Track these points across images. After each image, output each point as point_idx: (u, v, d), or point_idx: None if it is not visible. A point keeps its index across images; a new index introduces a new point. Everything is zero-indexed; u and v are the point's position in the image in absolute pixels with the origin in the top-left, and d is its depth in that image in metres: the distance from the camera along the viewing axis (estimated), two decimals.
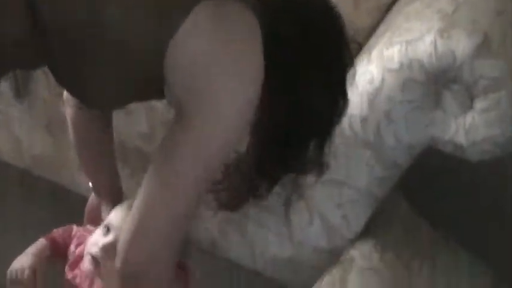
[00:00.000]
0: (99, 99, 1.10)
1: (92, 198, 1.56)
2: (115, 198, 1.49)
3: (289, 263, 2.01)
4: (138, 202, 1.03)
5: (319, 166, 1.18)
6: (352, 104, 1.41)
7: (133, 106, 1.83)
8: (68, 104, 1.39)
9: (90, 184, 1.49)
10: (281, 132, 1.15)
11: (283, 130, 1.15)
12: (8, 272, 1.47)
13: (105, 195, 1.49)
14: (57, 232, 1.56)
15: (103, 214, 1.50)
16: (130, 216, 1.05)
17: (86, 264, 1.38)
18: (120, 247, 1.04)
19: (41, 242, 1.53)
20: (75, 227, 1.55)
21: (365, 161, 1.74)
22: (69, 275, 1.50)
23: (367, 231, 1.90)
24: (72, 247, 1.51)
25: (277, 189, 1.83)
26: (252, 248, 2.02)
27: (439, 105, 1.62)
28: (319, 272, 1.88)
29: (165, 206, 1.01)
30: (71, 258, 1.50)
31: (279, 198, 1.88)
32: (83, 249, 1.49)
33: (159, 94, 1.07)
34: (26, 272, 1.46)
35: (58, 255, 1.53)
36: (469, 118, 1.58)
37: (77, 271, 1.48)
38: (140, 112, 1.86)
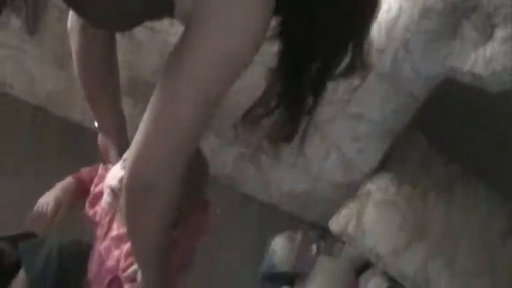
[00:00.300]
0: (106, 14, 1.07)
1: (101, 138, 1.55)
2: (120, 138, 1.48)
3: (305, 197, 2.01)
4: (147, 115, 1.00)
5: (364, 66, 1.13)
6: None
7: (145, 39, 1.80)
8: (72, 33, 1.36)
9: (96, 124, 1.48)
10: (312, 42, 1.11)
11: (313, 39, 1.11)
12: (35, 206, 1.49)
13: (111, 134, 1.48)
14: (85, 171, 1.57)
15: (110, 155, 1.49)
16: (139, 130, 1.02)
17: (106, 197, 1.38)
18: (128, 161, 1.02)
19: (68, 179, 1.55)
20: (101, 166, 1.56)
21: (382, 93, 1.72)
22: (89, 212, 1.51)
23: (384, 165, 1.89)
24: (92, 186, 1.53)
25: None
26: (267, 182, 2.02)
27: (457, 35, 1.58)
28: (335, 206, 1.88)
29: (174, 117, 0.98)
30: (91, 195, 1.52)
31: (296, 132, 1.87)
32: (103, 187, 1.50)
33: (169, 9, 1.04)
34: (51, 204, 1.48)
35: (84, 193, 1.54)
36: (489, 48, 1.55)
37: (97, 208, 1.49)
38: (152, 47, 1.83)
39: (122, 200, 1.27)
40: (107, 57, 1.37)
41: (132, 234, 1.14)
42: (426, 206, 1.79)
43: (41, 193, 1.52)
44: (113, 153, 1.48)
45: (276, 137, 1.20)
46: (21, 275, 1.62)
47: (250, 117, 1.14)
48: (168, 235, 1.17)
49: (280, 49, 1.07)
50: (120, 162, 1.40)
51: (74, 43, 1.32)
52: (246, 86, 1.20)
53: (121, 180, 1.36)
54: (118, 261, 1.41)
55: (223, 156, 2.01)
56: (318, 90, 1.16)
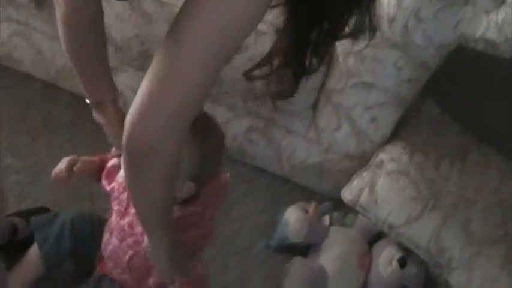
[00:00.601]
0: None
1: (97, 115, 1.53)
2: (117, 112, 1.47)
3: (317, 169, 2.00)
4: (150, 75, 0.98)
5: (371, 27, 1.12)
6: (379, 4, 1.36)
7: (154, 13, 1.79)
8: (57, 2, 1.34)
9: (89, 100, 1.46)
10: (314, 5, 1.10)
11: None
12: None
13: (107, 110, 1.46)
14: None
15: (106, 135, 1.49)
16: (140, 90, 1.01)
17: (122, 171, 1.38)
18: (127, 122, 1.00)
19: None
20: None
21: (393, 62, 1.70)
22: (106, 187, 1.51)
23: (396, 135, 1.89)
24: (109, 162, 1.54)
25: (304, 94, 1.83)
26: (279, 154, 2.02)
27: (469, 0, 1.56)
28: (347, 176, 1.88)
29: (176, 79, 0.97)
30: (106, 170, 1.52)
31: (306, 104, 1.86)
32: (118, 161, 1.50)
33: None
34: (66, 162, 1.50)
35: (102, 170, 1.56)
36: (502, 13, 1.52)
37: (114, 183, 1.50)
38: (161, 19, 1.82)
39: (125, 170, 1.26)
40: (94, 26, 1.34)
41: (134, 197, 1.13)
42: (439, 175, 1.78)
43: (53, 168, 1.52)
44: (109, 131, 1.47)
45: (276, 94, 1.19)
46: (34, 249, 1.63)
47: (253, 75, 1.12)
48: (171, 197, 1.15)
49: (287, 9, 1.06)
50: None
51: (59, 12, 1.30)
52: (257, 58, 1.18)
53: None
54: (142, 235, 1.41)
55: (234, 129, 2.00)
56: (322, 51, 1.15)
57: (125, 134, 1.00)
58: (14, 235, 1.69)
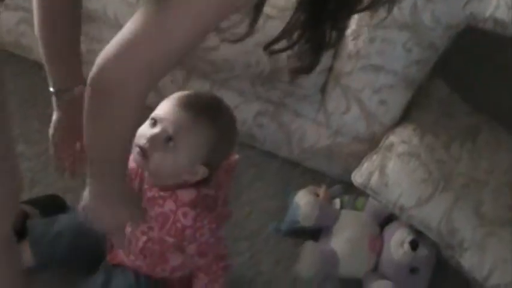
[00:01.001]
0: None
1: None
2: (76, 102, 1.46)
3: (326, 152, 2.00)
4: (134, 23, 0.96)
5: (389, 1, 1.11)
6: None
7: None
8: None
9: (53, 88, 1.44)
10: None
11: None
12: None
13: (76, 100, 1.45)
14: None
15: (53, 127, 1.47)
16: (123, 30, 1.00)
17: (135, 155, 1.38)
18: (99, 60, 1.00)
19: None
20: None
21: (402, 43, 1.69)
22: None
23: (406, 117, 1.88)
24: None
25: (312, 76, 1.82)
26: (288, 138, 2.01)
27: None
28: (357, 160, 1.88)
29: (164, 35, 0.95)
30: None
31: (315, 86, 1.86)
32: None
33: None
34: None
35: None
36: None
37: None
38: None
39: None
40: (71, 10, 1.34)
41: (92, 135, 1.10)
42: (450, 156, 1.77)
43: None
44: (62, 124, 1.47)
45: (296, 69, 1.18)
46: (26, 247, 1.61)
47: (273, 49, 1.12)
48: (129, 141, 1.14)
49: None
50: (149, 120, 1.39)
51: None
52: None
53: (150, 138, 1.35)
54: (156, 220, 1.41)
55: (243, 114, 2.00)
56: (341, 24, 1.14)
57: (94, 71, 0.99)
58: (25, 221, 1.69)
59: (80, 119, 1.07)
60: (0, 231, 1.17)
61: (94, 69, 0.99)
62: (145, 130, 1.37)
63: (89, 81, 1.01)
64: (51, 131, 1.48)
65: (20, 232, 1.61)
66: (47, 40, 1.34)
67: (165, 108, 1.39)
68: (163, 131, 1.35)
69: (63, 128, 1.47)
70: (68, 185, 1.83)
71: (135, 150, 1.36)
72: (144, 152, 1.35)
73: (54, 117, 1.46)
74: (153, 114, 1.39)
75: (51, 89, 1.42)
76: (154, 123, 1.37)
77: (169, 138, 1.34)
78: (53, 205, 1.76)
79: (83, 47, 1.42)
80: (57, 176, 1.58)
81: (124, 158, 1.17)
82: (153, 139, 1.35)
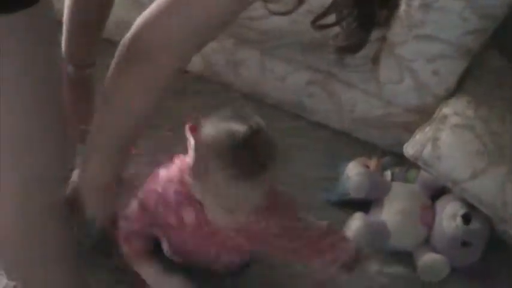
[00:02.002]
0: None
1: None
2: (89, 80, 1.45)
3: (377, 123, 1.97)
4: None
5: None
6: None
7: None
8: None
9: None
10: None
11: None
12: None
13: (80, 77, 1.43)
14: None
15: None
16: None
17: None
18: (139, 21, 0.98)
19: None
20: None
21: (458, 13, 1.65)
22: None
23: (460, 88, 1.84)
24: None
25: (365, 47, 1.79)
26: (339, 108, 1.99)
27: None
28: (409, 131, 1.85)
29: (209, 2, 0.96)
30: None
31: (367, 56, 1.83)
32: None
33: None
34: None
35: None
36: None
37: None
38: None
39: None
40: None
41: (110, 107, 1.07)
42: (504, 128, 1.73)
43: None
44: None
45: (343, 47, 1.15)
46: None
47: (321, 24, 1.09)
48: (148, 120, 1.10)
49: None
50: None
51: None
52: (316, 10, 1.15)
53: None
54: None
55: (293, 83, 1.99)
56: (391, 2, 1.11)
57: (134, 31, 0.96)
58: None
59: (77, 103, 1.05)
60: (51, 198, 1.16)
61: (133, 29, 0.97)
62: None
63: (124, 42, 0.98)
64: None
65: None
66: (75, 14, 1.34)
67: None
68: None
69: None
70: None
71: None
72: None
73: None
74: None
75: (68, 71, 1.42)
76: None
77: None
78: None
79: None
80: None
81: (130, 142, 1.14)
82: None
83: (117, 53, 1.00)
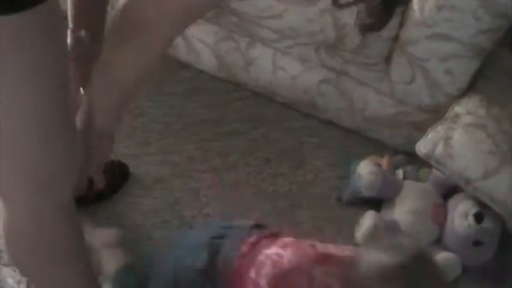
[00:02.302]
0: None
1: None
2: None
3: (389, 121, 1.97)
4: None
5: None
6: None
7: None
8: None
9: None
10: None
11: None
12: None
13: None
14: None
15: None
16: None
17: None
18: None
19: None
20: None
21: (472, 12, 1.65)
22: None
23: (472, 87, 1.84)
24: None
25: (377, 45, 1.80)
26: (351, 107, 1.99)
27: None
28: (421, 131, 1.85)
29: None
30: None
31: (380, 55, 1.83)
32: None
33: None
34: None
35: None
36: None
37: None
38: None
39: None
40: None
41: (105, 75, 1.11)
42: None
43: None
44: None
45: (366, 25, 1.15)
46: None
47: (342, 3, 1.09)
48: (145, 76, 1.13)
49: None
50: None
51: None
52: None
53: None
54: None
55: (306, 82, 1.99)
56: None
57: (127, 6, 1.00)
58: (89, 188, 1.70)
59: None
60: (59, 197, 1.17)
61: (125, 4, 1.00)
62: None
63: (117, 18, 1.02)
64: None
65: (85, 198, 1.63)
66: None
67: None
68: None
69: None
70: (130, 152, 1.86)
71: None
72: None
73: None
74: None
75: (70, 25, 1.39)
76: None
77: None
78: (120, 174, 1.78)
79: None
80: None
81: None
82: None
83: (112, 29, 1.04)
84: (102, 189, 1.70)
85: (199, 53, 2.08)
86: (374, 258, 1.22)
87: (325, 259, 1.30)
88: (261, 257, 1.33)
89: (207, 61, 2.10)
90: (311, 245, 1.34)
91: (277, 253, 1.33)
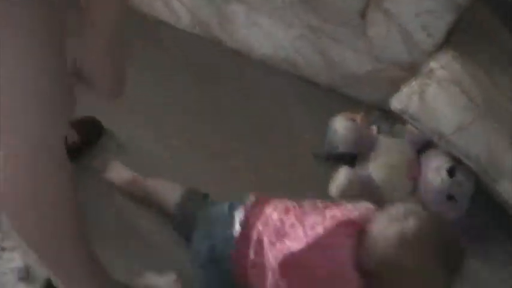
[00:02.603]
0: None
1: None
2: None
3: (366, 79, 1.98)
4: None
5: None
6: None
7: None
8: None
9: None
10: None
11: None
12: None
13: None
14: None
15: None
16: None
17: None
18: None
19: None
20: None
21: None
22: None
23: (447, 43, 1.84)
24: None
25: (352, 1, 1.79)
26: (328, 65, 1.99)
27: None
28: (397, 87, 1.85)
29: None
30: None
31: (355, 11, 1.82)
32: None
33: None
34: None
35: None
36: None
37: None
38: None
39: None
40: None
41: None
42: (491, 82, 1.74)
43: None
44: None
45: None
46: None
47: None
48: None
49: None
50: None
51: None
52: None
53: None
54: None
55: (281, 39, 1.99)
56: None
57: None
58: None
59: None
60: (58, 158, 1.17)
61: None
62: None
63: None
64: None
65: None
66: None
67: None
68: None
69: None
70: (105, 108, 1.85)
71: None
72: None
73: None
74: None
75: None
76: None
77: None
78: (92, 128, 1.77)
79: None
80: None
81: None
82: None
83: None
84: (75, 143, 1.68)
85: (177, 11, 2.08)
86: (391, 229, 1.26)
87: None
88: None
89: (182, 17, 2.09)
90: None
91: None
